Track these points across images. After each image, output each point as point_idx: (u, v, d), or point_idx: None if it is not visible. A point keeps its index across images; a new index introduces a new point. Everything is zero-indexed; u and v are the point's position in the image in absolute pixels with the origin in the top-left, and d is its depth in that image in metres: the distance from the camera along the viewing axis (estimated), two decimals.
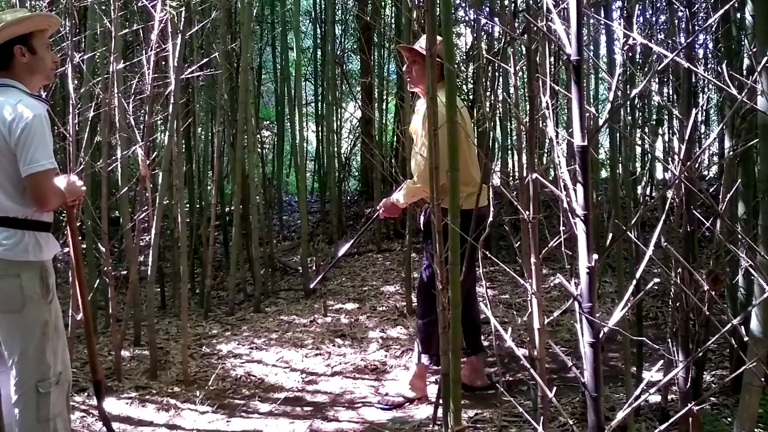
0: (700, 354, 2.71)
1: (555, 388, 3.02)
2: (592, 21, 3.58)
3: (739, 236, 2.24)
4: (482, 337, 3.59)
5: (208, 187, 6.42)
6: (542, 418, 1.93)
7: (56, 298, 2.33)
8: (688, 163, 2.10)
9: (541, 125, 1.88)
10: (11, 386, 2.23)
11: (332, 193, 7.10)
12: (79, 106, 3.67)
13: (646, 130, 5.47)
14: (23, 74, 2.27)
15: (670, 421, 1.32)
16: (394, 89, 7.57)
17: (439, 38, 3.25)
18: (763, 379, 1.92)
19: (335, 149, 7.28)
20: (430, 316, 3.18)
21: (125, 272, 5.23)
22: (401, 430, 2.95)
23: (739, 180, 2.56)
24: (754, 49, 2.00)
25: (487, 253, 1.59)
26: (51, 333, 2.26)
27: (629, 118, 4.25)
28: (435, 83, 2.38)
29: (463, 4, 7.43)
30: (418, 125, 3.21)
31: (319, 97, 8.62)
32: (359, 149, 9.01)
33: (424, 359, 3.23)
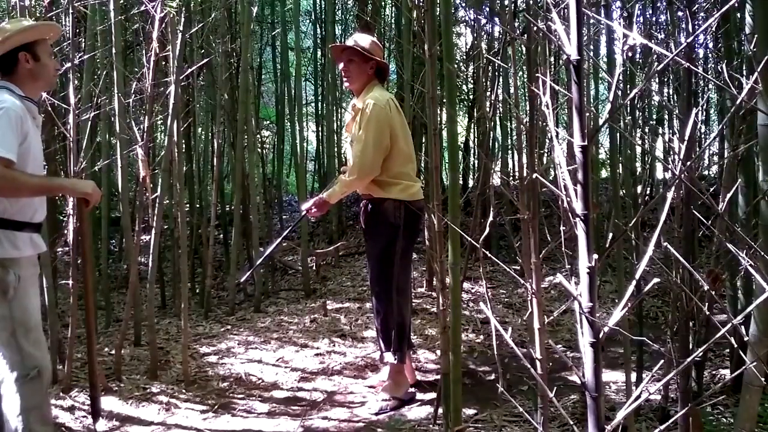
0: (700, 354, 2.71)
1: (555, 388, 3.02)
2: (592, 21, 3.58)
3: (739, 236, 2.24)
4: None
5: (208, 187, 6.42)
6: (542, 418, 1.93)
7: (28, 296, 2.33)
8: (688, 163, 2.10)
9: (541, 125, 1.89)
10: None
11: None
12: (79, 106, 3.67)
13: (646, 130, 5.47)
14: (25, 80, 2.37)
15: (670, 421, 1.32)
16: (393, 89, 7.57)
17: (369, 38, 3.32)
18: (763, 379, 1.92)
19: (335, 149, 7.28)
20: (386, 311, 3.20)
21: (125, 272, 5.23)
22: (401, 430, 2.95)
23: (739, 180, 2.56)
24: (754, 49, 2.00)
25: (487, 253, 1.59)
26: (15, 328, 2.27)
27: (629, 118, 4.25)
28: (434, 83, 2.37)
29: (463, 4, 7.43)
30: (355, 122, 3.24)
31: (319, 97, 8.61)
32: None
33: (389, 357, 3.23)
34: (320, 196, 3.26)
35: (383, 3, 7.72)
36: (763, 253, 1.88)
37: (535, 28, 2.06)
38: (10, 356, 2.27)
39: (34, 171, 2.35)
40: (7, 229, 2.28)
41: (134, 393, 3.42)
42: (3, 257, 2.26)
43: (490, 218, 3.12)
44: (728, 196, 2.39)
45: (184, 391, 3.47)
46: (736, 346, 1.89)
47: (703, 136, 6.52)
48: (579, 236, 0.97)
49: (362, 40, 3.27)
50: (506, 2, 5.74)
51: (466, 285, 5.01)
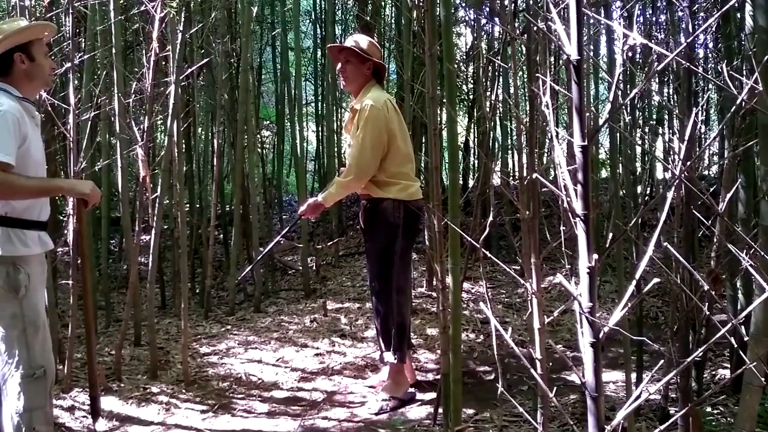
0: (700, 354, 2.72)
1: (555, 388, 3.02)
2: (592, 21, 3.58)
3: (739, 236, 2.24)
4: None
5: (208, 187, 6.42)
6: (542, 418, 1.93)
7: (37, 295, 2.34)
8: (688, 163, 2.10)
9: (541, 125, 1.89)
10: None
11: None
12: (79, 106, 3.67)
13: (646, 130, 5.47)
14: (21, 80, 2.38)
15: (670, 421, 1.32)
16: (393, 89, 7.57)
17: (367, 39, 3.34)
18: (763, 379, 1.92)
19: (335, 149, 7.29)
20: (386, 311, 3.20)
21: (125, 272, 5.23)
22: (401, 430, 2.95)
23: (739, 180, 2.56)
24: (754, 49, 2.00)
25: (487, 253, 1.60)
26: (25, 327, 2.27)
27: (629, 118, 4.25)
28: (434, 83, 2.37)
29: (463, 4, 7.43)
30: (353, 123, 3.23)
31: (319, 97, 8.61)
32: None
33: (390, 357, 3.23)
34: (315, 198, 3.27)
35: (383, 3, 7.72)
36: (763, 253, 1.88)
37: (535, 28, 2.06)
38: (18, 355, 2.27)
39: (35, 171, 2.35)
40: (17, 228, 2.28)
41: (134, 393, 3.42)
42: (14, 255, 2.26)
43: (490, 218, 3.12)
44: (728, 196, 2.39)
45: (184, 391, 3.47)
46: (736, 346, 1.89)
47: (703, 136, 6.52)
48: (579, 236, 0.97)
49: (360, 40, 3.28)
50: (506, 2, 5.74)
51: (466, 285, 5.01)
